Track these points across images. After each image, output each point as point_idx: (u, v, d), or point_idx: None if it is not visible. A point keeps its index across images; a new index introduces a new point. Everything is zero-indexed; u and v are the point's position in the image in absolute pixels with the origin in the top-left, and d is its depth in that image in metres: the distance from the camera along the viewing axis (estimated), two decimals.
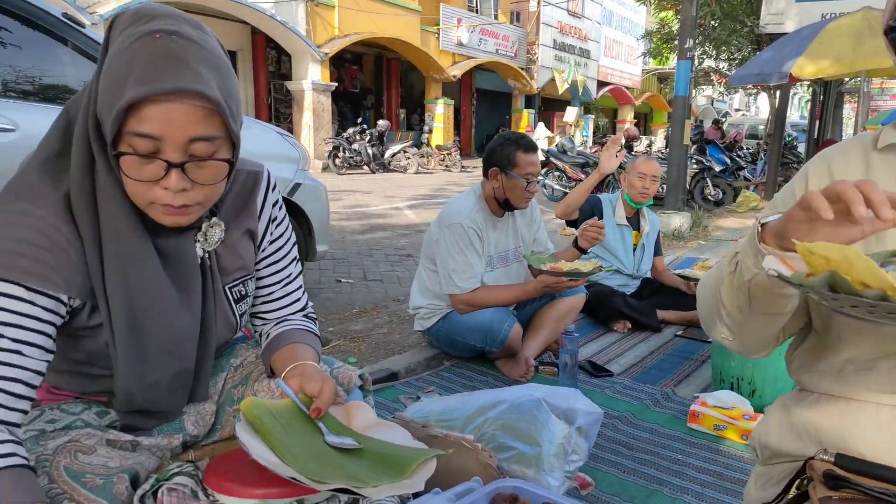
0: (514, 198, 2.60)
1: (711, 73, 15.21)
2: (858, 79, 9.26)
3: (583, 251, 2.77)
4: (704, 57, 13.12)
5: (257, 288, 1.18)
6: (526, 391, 1.59)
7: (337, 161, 13.97)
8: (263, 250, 1.15)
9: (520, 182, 2.55)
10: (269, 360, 1.14)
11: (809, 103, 12.79)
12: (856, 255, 0.63)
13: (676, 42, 9.18)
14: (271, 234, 1.15)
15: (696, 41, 11.92)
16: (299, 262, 1.23)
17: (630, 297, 3.37)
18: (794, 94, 28.27)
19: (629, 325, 3.25)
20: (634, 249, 3.49)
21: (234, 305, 1.09)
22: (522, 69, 22.18)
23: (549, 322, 2.75)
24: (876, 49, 6.13)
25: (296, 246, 1.22)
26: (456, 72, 19.17)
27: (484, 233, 2.63)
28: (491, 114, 23.25)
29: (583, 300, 2.88)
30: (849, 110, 20.29)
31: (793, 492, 0.85)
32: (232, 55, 14.54)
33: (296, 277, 1.22)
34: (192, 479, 0.96)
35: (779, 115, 10.13)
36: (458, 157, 16.46)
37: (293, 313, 1.22)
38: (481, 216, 2.64)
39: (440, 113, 19.05)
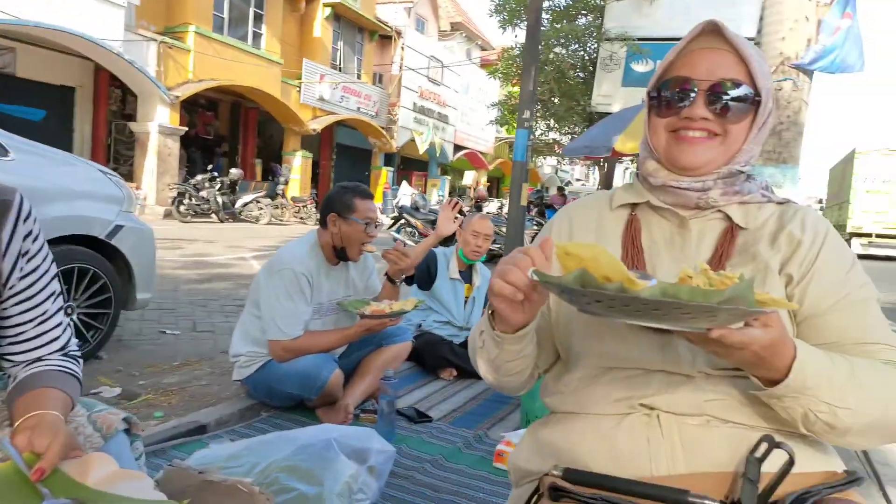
0: (352, 245, 2.66)
1: (555, 145, 16.57)
2: None
3: (392, 281, 2.85)
4: (547, 130, 14.32)
5: (4, 328, 1.09)
6: (319, 432, 1.59)
7: (181, 208, 13.29)
8: (11, 287, 1.07)
9: (359, 226, 2.61)
10: (12, 408, 1.05)
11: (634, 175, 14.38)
12: (602, 252, 0.73)
13: None
14: (21, 269, 1.07)
15: (539, 115, 13.04)
16: (60, 297, 1.16)
17: (457, 346, 3.49)
18: (626, 167, 31.51)
19: (455, 373, 3.36)
20: (466, 302, 3.65)
21: None
22: (383, 128, 22.75)
23: (374, 369, 2.77)
24: None
25: (56, 279, 1.14)
26: (316, 126, 19.22)
27: (316, 280, 2.64)
28: (351, 169, 23.44)
29: (409, 348, 2.96)
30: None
31: None
32: (69, 91, 13.53)
33: (53, 314, 1.13)
34: None
35: (606, 184, 11.22)
36: (314, 209, 16.33)
37: (49, 354, 1.13)
38: (314, 263, 2.66)
39: (298, 165, 18.90)
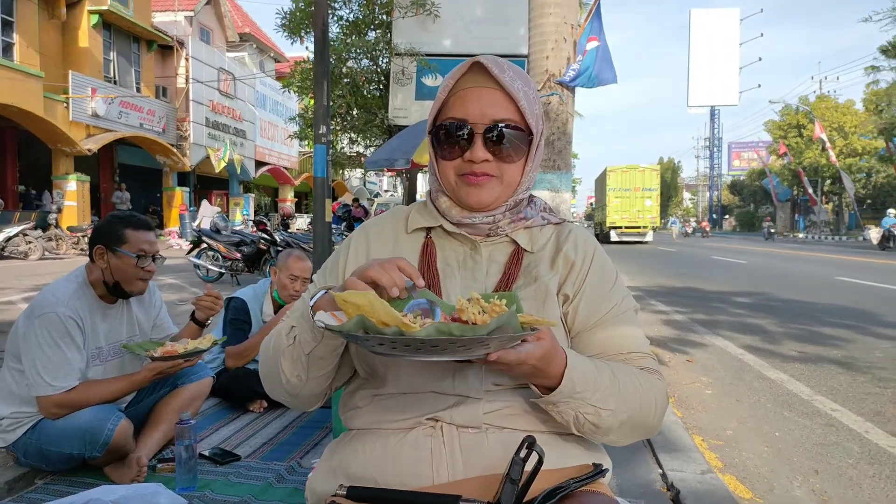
0: (125, 279, 2.40)
1: (360, 157, 16.68)
2: None
3: (201, 324, 2.67)
4: (351, 143, 14.37)
5: None
6: (93, 496, 1.44)
7: None
8: None
9: (130, 259, 2.37)
10: None
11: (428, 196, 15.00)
12: (376, 299, 0.76)
13: None
14: None
15: (338, 128, 13.04)
16: None
17: None
18: None
19: (265, 404, 3.24)
20: None
21: None
22: (173, 145, 21.13)
23: (170, 413, 2.56)
24: None
25: None
26: (91, 145, 17.27)
27: (87, 322, 2.35)
28: (140, 192, 21.42)
29: (208, 385, 2.77)
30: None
31: None
32: None
33: None
34: None
35: (409, 195, 11.56)
36: None
37: None
38: (84, 304, 2.37)
39: (73, 190, 16.84)
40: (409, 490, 0.92)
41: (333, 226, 10.12)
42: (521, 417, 0.98)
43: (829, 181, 40.53)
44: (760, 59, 60.55)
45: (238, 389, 3.20)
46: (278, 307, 3.38)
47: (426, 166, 9.67)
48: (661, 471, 2.50)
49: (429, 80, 11.07)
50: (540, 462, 0.85)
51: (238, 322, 3.19)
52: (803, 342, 5.57)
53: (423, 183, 17.20)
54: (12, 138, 16.98)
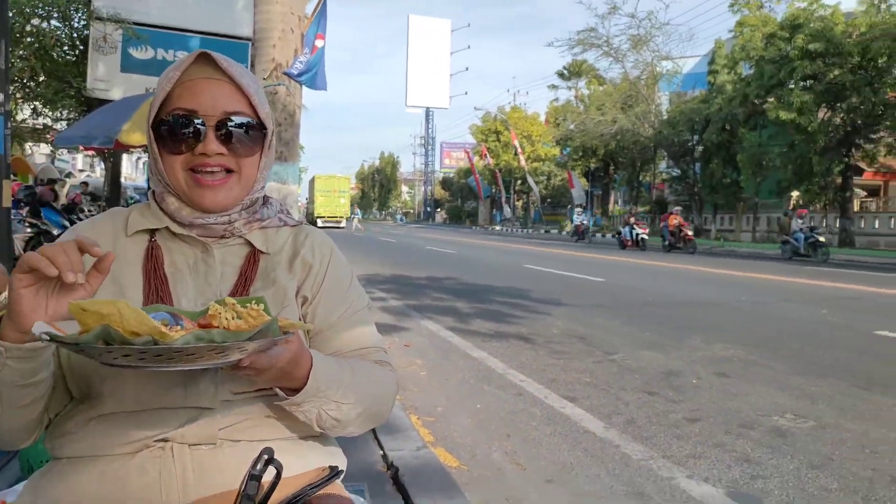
0: None
1: (47, 131, 14.23)
2: None
3: None
4: (35, 114, 12.19)
5: None
6: None
7: None
8: None
9: None
10: None
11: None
12: (126, 306, 0.69)
13: None
14: None
15: (20, 97, 10.96)
16: None
17: None
18: (138, 157, 29.29)
19: None
20: None
21: None
22: None
23: None
24: None
25: None
26: None
27: None
28: None
29: None
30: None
31: None
32: None
33: None
34: None
35: (113, 178, 10.30)
36: None
37: None
38: None
39: None
40: None
41: (14, 211, 8.53)
42: (259, 428, 0.98)
43: (519, 181, 47.05)
44: (468, 68, 67.55)
45: None
46: None
47: (134, 147, 8.63)
48: (381, 452, 2.71)
49: (138, 53, 9.95)
50: (278, 475, 0.85)
51: None
52: (499, 323, 6.45)
53: (128, 165, 15.42)
54: None
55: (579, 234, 27.12)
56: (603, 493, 2.57)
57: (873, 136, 22.69)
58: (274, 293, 1.03)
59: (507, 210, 46.84)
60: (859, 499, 2.52)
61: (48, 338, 0.72)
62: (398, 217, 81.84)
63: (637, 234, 21.63)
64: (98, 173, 32.37)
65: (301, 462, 1.00)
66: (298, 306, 1.06)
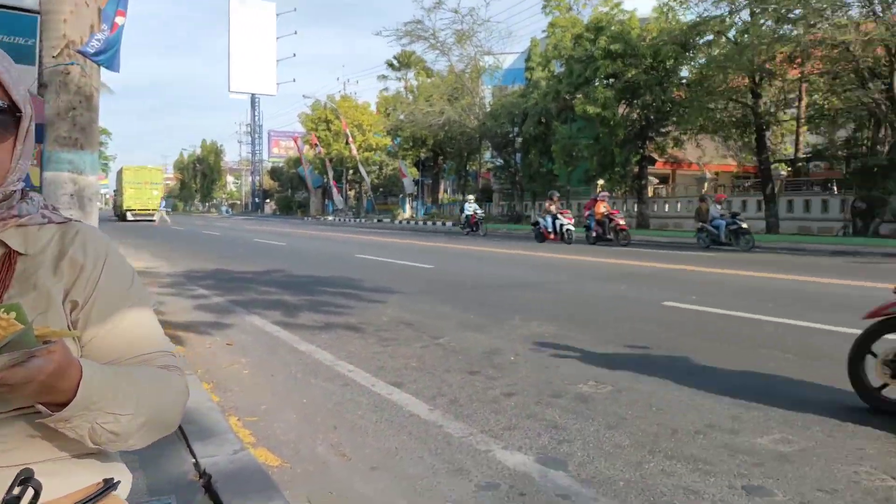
0: None
1: None
2: None
3: None
4: None
5: None
6: None
7: None
8: None
9: None
10: None
11: None
12: None
13: None
14: None
15: None
16: None
17: None
18: None
19: None
20: None
21: None
22: None
23: None
24: None
25: None
26: None
27: None
28: None
29: None
30: None
31: None
32: None
33: None
34: None
35: None
36: None
37: None
38: None
39: None
40: None
41: None
42: (19, 451, 0.88)
43: (352, 171, 46.72)
44: (295, 54, 65.53)
45: None
46: None
47: None
48: (193, 460, 2.55)
49: None
50: (36, 496, 0.79)
51: None
52: (328, 314, 6.37)
53: None
54: None
55: (471, 225, 23.45)
56: (426, 474, 2.64)
57: (663, 130, 25.91)
58: (35, 298, 0.92)
59: (338, 200, 46.35)
60: (646, 452, 2.85)
61: None
62: (223, 209, 77.45)
63: (562, 226, 18.21)
64: None
65: (69, 481, 0.92)
66: (67, 312, 0.96)
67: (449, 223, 30.86)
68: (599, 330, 5.51)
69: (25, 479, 0.79)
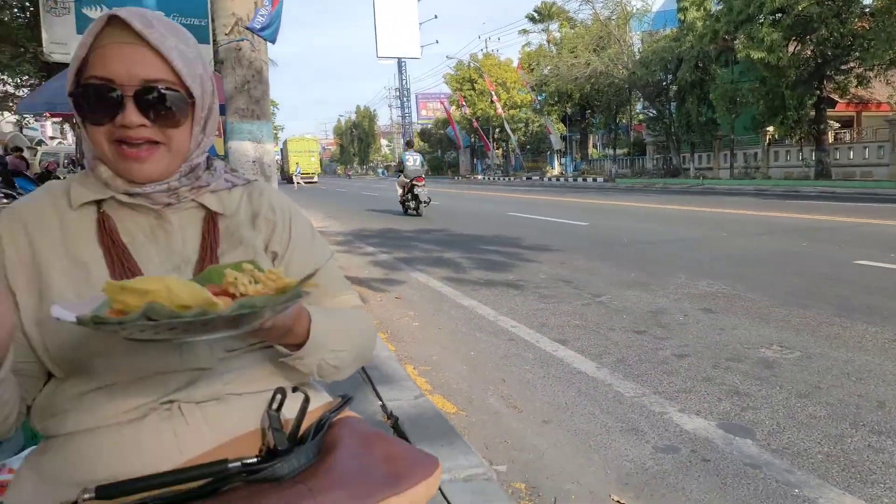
0: None
1: (10, 99, 13.73)
2: None
3: None
4: None
5: None
6: None
7: None
8: None
9: None
10: None
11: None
12: (175, 282, 0.70)
13: None
14: None
15: None
16: None
17: None
18: None
19: None
20: None
21: None
22: None
23: None
24: None
25: None
26: None
27: None
28: None
29: None
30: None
31: None
32: None
33: None
34: None
35: (79, 143, 10.02)
36: None
37: None
38: None
39: None
40: (170, 470, 0.86)
41: None
42: (259, 380, 0.99)
43: (497, 130, 46.61)
44: (436, 16, 65.67)
45: None
46: None
47: None
48: (381, 402, 2.74)
49: (92, 12, 9.48)
50: (307, 400, 0.90)
51: None
52: (486, 271, 6.48)
53: None
54: None
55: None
56: (599, 431, 2.63)
57: (844, 68, 22.62)
58: (244, 252, 1.02)
59: (491, 157, 46.53)
60: (847, 425, 2.60)
61: (75, 320, 0.70)
62: (380, 171, 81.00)
63: None
64: (70, 140, 31.45)
65: (298, 406, 1.02)
66: (270, 262, 1.06)
67: (600, 179, 29.85)
68: (777, 290, 5.07)
69: (284, 393, 0.92)
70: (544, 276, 6.07)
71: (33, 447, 0.99)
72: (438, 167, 63.54)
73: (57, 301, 0.90)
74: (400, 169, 14.09)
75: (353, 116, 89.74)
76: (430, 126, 70.18)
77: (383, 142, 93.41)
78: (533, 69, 39.74)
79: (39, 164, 14.55)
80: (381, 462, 0.88)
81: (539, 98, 40.26)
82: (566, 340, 3.91)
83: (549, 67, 36.64)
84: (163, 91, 0.92)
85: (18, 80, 11.56)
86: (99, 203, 0.99)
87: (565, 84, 34.77)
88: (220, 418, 0.94)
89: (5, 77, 11.51)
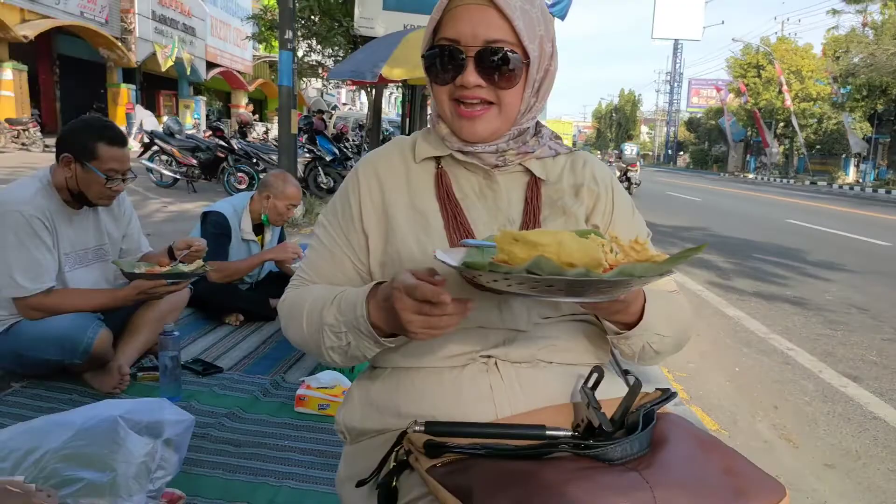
0: (92, 194, 2.26)
1: (319, 67, 15.94)
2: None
3: (173, 257, 2.44)
4: (310, 51, 13.66)
5: None
6: (99, 411, 1.39)
7: None
8: None
9: (98, 178, 2.21)
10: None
11: (403, 103, 14.53)
12: (569, 237, 0.72)
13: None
14: None
15: (300, 34, 12.34)
16: None
17: (243, 290, 3.28)
18: (391, 93, 31.68)
19: (241, 318, 3.18)
20: None
21: None
22: (117, 39, 19.68)
23: (149, 323, 2.50)
24: None
25: None
26: (28, 32, 15.89)
27: (53, 224, 2.22)
28: (82, 86, 20.03)
29: (186, 297, 2.70)
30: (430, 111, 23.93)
31: (391, 464, 0.90)
32: None
33: None
34: None
35: (375, 111, 11.22)
36: (39, 134, 13.82)
37: None
38: (50, 204, 2.22)
39: (9, 79, 15.60)
40: (493, 422, 0.89)
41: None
42: (569, 352, 0.99)
43: (782, 124, 41.41)
44: None
45: (216, 302, 3.13)
46: (257, 226, 3.28)
47: (395, 82, 9.21)
48: None
49: None
50: (639, 385, 0.86)
51: (219, 237, 3.06)
52: (757, 281, 5.81)
53: (386, 98, 16.64)
54: None
55: None
56: None
57: None
58: (565, 222, 1.01)
59: (769, 155, 41.61)
60: None
61: (456, 265, 0.74)
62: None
63: None
64: (358, 107, 35.77)
65: (614, 386, 1.01)
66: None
67: None
68: None
69: (602, 373, 0.89)
70: (832, 298, 5.24)
71: (361, 371, 1.10)
72: (703, 161, 58.74)
73: (401, 245, 0.98)
74: (619, 156, 17.64)
75: (616, 100, 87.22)
76: (699, 115, 65.12)
77: (644, 129, 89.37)
78: (839, 57, 34.28)
79: (334, 126, 16.67)
80: (722, 473, 0.80)
81: (842, 91, 34.68)
82: (859, 377, 3.33)
83: (860, 56, 31.26)
84: (501, 52, 0.93)
85: (330, 51, 13.27)
86: (437, 159, 1.05)
87: (880, 76, 29.35)
88: (532, 382, 0.95)
89: (318, 47, 13.30)
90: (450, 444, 0.84)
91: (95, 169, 2.21)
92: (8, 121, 13.87)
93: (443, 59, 0.95)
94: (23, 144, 13.49)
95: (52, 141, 12.76)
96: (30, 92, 16.58)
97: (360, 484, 0.96)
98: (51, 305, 2.19)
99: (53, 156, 2.26)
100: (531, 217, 1.00)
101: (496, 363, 0.96)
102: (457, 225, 0.99)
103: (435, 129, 1.04)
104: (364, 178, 1.05)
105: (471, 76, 0.94)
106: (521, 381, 0.95)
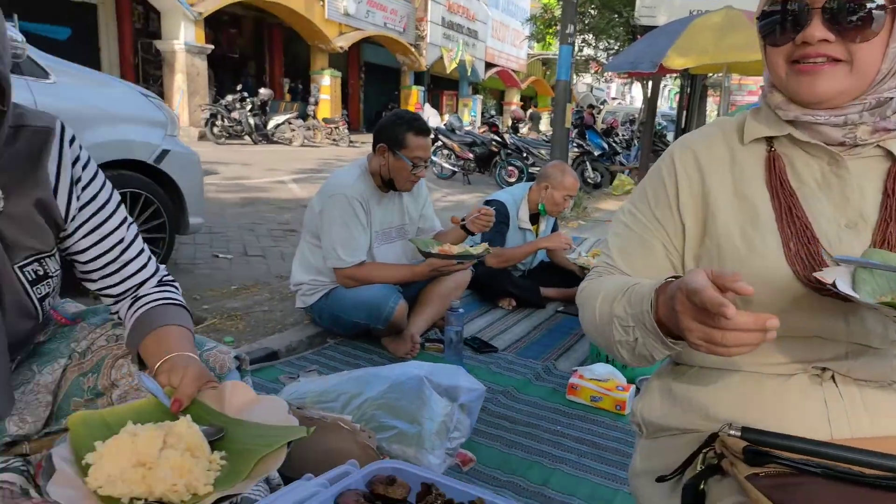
0: (399, 179, 2.57)
1: (590, 62, 15.84)
2: (720, 74, 10.00)
3: (470, 233, 2.76)
4: (584, 45, 13.64)
5: (86, 262, 1.04)
6: (408, 369, 1.56)
7: (215, 130, 13.17)
8: (73, 219, 0.99)
9: (406, 164, 2.51)
10: (136, 349, 1.03)
11: (678, 95, 13.72)
12: None
13: (559, 27, 9.46)
14: (78, 198, 0.99)
15: (577, 28, 12.39)
16: (132, 224, 1.09)
17: (517, 277, 3.42)
18: (665, 85, 30.14)
19: (514, 303, 3.32)
20: None
21: (29, 288, 0.94)
22: (411, 45, 22.00)
23: (436, 298, 2.74)
24: (735, 45, 6.63)
25: (121, 205, 1.07)
26: (343, 43, 18.64)
27: (368, 206, 2.57)
28: (380, 89, 22.92)
29: (469, 277, 2.90)
30: (711, 103, 22.10)
31: (698, 466, 0.83)
32: (91, 8, 13.24)
33: (133, 241, 1.08)
34: (22, 476, 0.84)
35: (650, 104, 10.77)
36: (346, 131, 16.12)
37: (143, 282, 1.09)
38: (366, 189, 2.58)
39: (327, 85, 18.48)
40: (831, 442, 0.79)
41: None
42: None
43: None
44: None
45: (492, 286, 3.31)
46: (534, 215, 3.40)
47: (674, 72, 8.66)
48: None
49: None
50: None
51: (499, 224, 3.23)
52: None
53: (666, 93, 15.86)
54: (278, 36, 18.95)
55: None
56: None
57: None
58: None
59: None
60: None
61: (851, 294, 0.70)
62: None
63: None
64: (628, 101, 34.77)
65: None
66: None
67: None
68: None
69: None
70: None
71: (666, 366, 1.04)
72: None
73: (722, 238, 0.89)
74: None
75: None
76: None
77: None
78: None
79: (603, 120, 16.42)
80: None
81: None
82: None
83: None
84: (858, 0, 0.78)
85: (605, 44, 13.07)
86: (770, 141, 0.92)
87: None
88: (882, 408, 0.81)
89: (593, 42, 13.18)
90: (776, 455, 0.75)
91: (404, 157, 2.50)
92: (324, 120, 16.42)
93: (782, 15, 0.83)
94: (333, 140, 15.86)
95: (356, 137, 14.71)
96: (341, 95, 19.47)
97: (660, 479, 0.91)
98: (362, 276, 2.53)
99: (357, 150, 2.62)
100: (891, 213, 0.82)
101: (833, 377, 0.83)
102: (792, 219, 0.85)
103: (766, 100, 0.91)
104: (680, 160, 0.95)
105: (816, 30, 0.80)
106: (866, 403, 0.82)
